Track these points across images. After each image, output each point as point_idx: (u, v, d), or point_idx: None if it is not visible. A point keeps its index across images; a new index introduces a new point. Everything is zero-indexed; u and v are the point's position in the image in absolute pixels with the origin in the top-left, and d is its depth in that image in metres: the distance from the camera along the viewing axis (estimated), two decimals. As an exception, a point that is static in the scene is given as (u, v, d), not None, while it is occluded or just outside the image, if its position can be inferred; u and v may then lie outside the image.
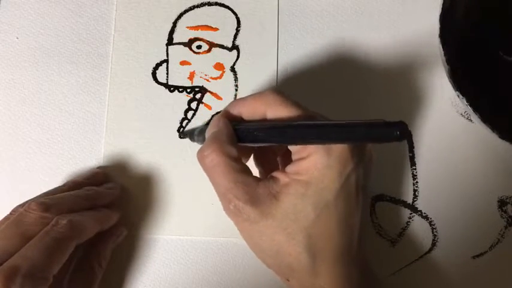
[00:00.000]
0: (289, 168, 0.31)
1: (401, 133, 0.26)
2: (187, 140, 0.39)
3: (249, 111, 0.32)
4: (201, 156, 0.31)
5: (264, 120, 0.32)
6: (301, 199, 0.30)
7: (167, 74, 0.40)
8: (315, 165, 0.30)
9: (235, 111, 0.33)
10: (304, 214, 0.30)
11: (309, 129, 0.29)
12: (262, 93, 0.32)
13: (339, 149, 0.30)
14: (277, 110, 0.31)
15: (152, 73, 0.40)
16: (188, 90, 0.40)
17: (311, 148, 0.30)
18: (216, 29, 0.40)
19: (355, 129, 0.28)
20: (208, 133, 0.32)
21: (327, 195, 0.30)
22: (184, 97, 0.40)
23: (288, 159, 0.32)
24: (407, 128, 0.27)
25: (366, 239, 0.37)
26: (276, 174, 0.31)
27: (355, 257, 0.32)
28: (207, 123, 0.35)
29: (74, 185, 0.36)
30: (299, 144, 0.30)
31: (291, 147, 0.31)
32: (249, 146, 0.33)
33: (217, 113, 0.39)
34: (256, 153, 0.36)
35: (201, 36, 0.40)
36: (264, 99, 0.31)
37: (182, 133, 0.39)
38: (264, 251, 0.32)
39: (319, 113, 0.32)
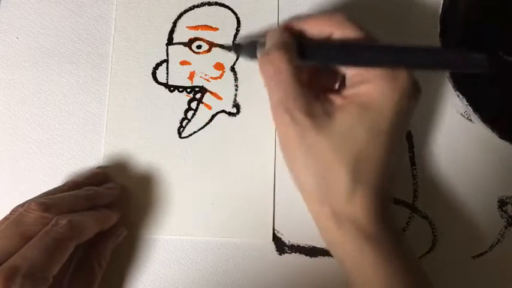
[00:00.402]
0: (347, 92, 0.31)
1: (491, 64, 0.27)
2: (187, 140, 0.39)
3: (313, 30, 0.32)
4: (265, 61, 0.31)
5: (330, 41, 0.31)
6: (357, 121, 0.30)
7: (167, 74, 0.40)
8: (376, 89, 0.30)
9: (297, 26, 0.32)
10: (357, 136, 0.30)
11: (388, 51, 0.30)
12: (331, 13, 0.32)
13: (402, 80, 0.30)
14: (346, 34, 0.31)
15: (152, 73, 0.40)
16: (188, 90, 0.40)
17: (374, 73, 0.30)
18: (216, 29, 0.40)
19: (444, 54, 0.28)
20: (270, 41, 0.32)
21: (382, 122, 0.30)
22: (184, 97, 0.40)
23: (334, 91, 0.32)
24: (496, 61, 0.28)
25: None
26: (331, 96, 0.31)
27: (388, 194, 0.32)
28: (252, 39, 0.35)
29: (74, 185, 0.36)
30: (369, 66, 0.30)
31: (351, 71, 0.31)
32: (307, 65, 0.33)
33: (217, 112, 0.39)
34: (307, 77, 0.35)
35: (201, 36, 0.40)
36: (334, 19, 0.31)
37: (223, 46, 0.38)
38: (309, 169, 0.31)
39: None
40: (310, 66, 0.35)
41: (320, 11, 0.40)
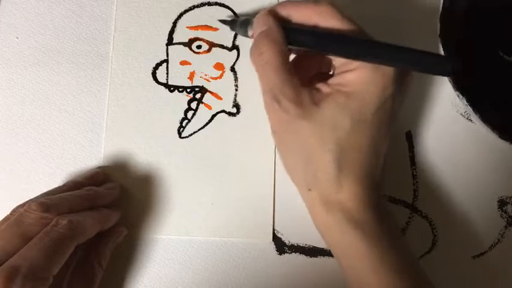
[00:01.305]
0: (332, 80, 0.32)
1: (453, 68, 0.28)
2: (187, 140, 0.39)
3: (299, 17, 0.33)
4: (256, 53, 0.32)
5: (315, 28, 0.32)
6: (341, 109, 0.31)
7: (167, 74, 0.40)
8: (360, 78, 0.31)
9: (284, 12, 0.33)
10: (341, 124, 0.31)
11: (365, 46, 0.30)
12: (317, 1, 0.32)
13: (386, 69, 0.30)
14: (331, 22, 0.31)
15: (152, 73, 0.40)
16: (188, 90, 0.40)
17: (358, 63, 0.31)
18: (216, 29, 0.40)
19: (410, 54, 0.29)
20: (257, 30, 0.33)
21: (366, 111, 0.31)
22: (184, 97, 0.40)
23: (323, 76, 0.33)
24: (460, 66, 0.28)
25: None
26: (318, 85, 0.32)
27: (376, 183, 0.32)
28: (247, 17, 0.35)
29: (74, 185, 0.36)
30: (350, 58, 0.31)
31: (337, 61, 0.32)
32: (292, 51, 0.33)
33: (217, 112, 0.39)
34: (294, 64, 0.35)
35: (201, 36, 0.40)
36: (319, 8, 0.32)
37: (222, 21, 0.39)
38: (295, 153, 0.32)
39: (368, 33, 0.32)
40: (300, 53, 0.35)
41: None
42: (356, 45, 0.30)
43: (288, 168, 0.34)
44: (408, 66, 0.31)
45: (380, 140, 0.32)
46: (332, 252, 0.34)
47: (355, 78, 0.31)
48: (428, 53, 0.29)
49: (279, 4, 0.34)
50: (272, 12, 0.33)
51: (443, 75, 0.28)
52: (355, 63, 0.31)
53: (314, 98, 0.31)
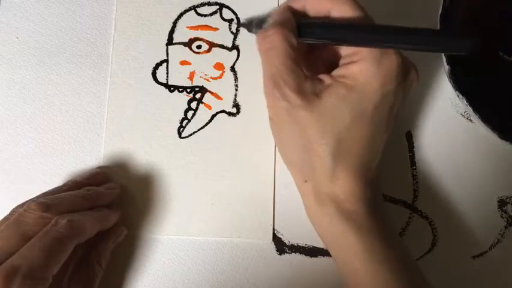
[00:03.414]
0: (336, 72, 0.32)
1: (472, 46, 0.28)
2: (187, 140, 0.39)
3: (313, 7, 0.33)
4: (262, 35, 0.32)
5: (327, 19, 0.32)
6: (341, 101, 0.31)
7: (167, 74, 0.40)
8: (362, 71, 0.31)
9: (298, 5, 0.33)
10: (341, 117, 0.31)
11: (376, 31, 0.30)
12: None
13: (388, 63, 0.30)
14: (343, 10, 0.32)
15: (152, 73, 0.40)
16: (188, 90, 0.40)
17: (362, 55, 0.31)
18: (216, 29, 0.40)
19: (427, 35, 0.29)
20: (271, 19, 0.33)
21: (366, 104, 0.31)
22: (184, 97, 0.40)
23: (332, 68, 0.33)
24: (479, 45, 0.28)
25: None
26: (321, 76, 0.32)
27: (372, 178, 0.32)
28: (263, 16, 0.36)
29: (74, 185, 0.36)
30: (360, 45, 0.31)
31: (344, 51, 0.32)
32: (305, 45, 0.33)
33: (217, 112, 0.39)
34: (306, 56, 0.35)
35: (201, 36, 0.40)
36: None
37: (241, 24, 0.39)
38: (292, 143, 0.32)
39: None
40: (309, 45, 0.35)
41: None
42: (369, 31, 0.30)
43: (284, 158, 0.34)
44: (424, 47, 0.30)
45: (379, 136, 0.32)
46: (323, 242, 0.34)
47: (357, 70, 0.31)
48: (445, 31, 0.29)
49: None
50: (288, 7, 0.33)
51: (462, 52, 0.28)
52: (359, 56, 0.31)
53: (316, 89, 0.31)
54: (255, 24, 0.36)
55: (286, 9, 0.33)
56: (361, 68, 0.31)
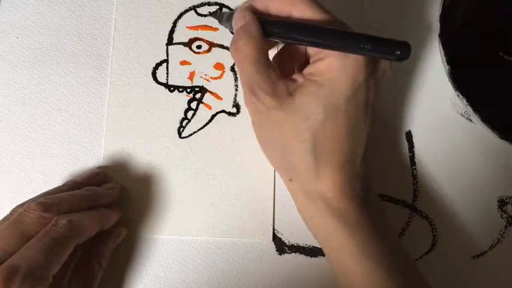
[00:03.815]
0: (306, 70, 0.32)
1: (401, 53, 0.28)
2: (187, 140, 0.39)
3: (275, 7, 0.33)
4: (234, 48, 0.33)
5: (288, 19, 0.32)
6: (314, 99, 0.31)
7: (167, 74, 0.40)
8: (329, 67, 0.31)
9: (260, 5, 0.33)
10: (314, 114, 0.31)
11: (323, 34, 0.30)
12: None
13: (355, 56, 0.30)
14: (303, 11, 0.32)
15: (152, 73, 0.40)
16: (188, 90, 0.40)
17: (327, 51, 0.31)
18: (216, 29, 0.40)
19: (363, 40, 0.29)
20: (235, 25, 0.33)
21: (338, 99, 0.31)
22: (184, 97, 0.40)
23: (305, 65, 0.33)
24: (409, 51, 0.29)
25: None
26: (294, 76, 0.32)
27: (358, 173, 0.32)
28: (230, 11, 0.37)
29: (74, 185, 0.36)
30: (315, 46, 0.31)
31: (310, 50, 0.33)
32: (270, 43, 0.35)
33: (217, 112, 0.39)
34: (276, 56, 0.36)
35: (201, 36, 0.40)
36: None
37: (212, 14, 0.40)
38: (272, 145, 0.33)
39: (344, 22, 0.32)
40: (283, 46, 0.36)
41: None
42: (318, 33, 0.30)
43: (269, 160, 0.35)
44: (364, 52, 0.30)
45: (358, 128, 0.32)
46: (317, 240, 0.34)
47: (325, 66, 0.31)
48: (383, 39, 0.29)
49: None
50: (250, 7, 0.33)
51: (399, 60, 0.29)
52: (324, 52, 0.31)
53: (289, 89, 0.32)
54: (224, 19, 0.37)
55: (246, 11, 0.33)
56: (328, 63, 0.31)
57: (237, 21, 0.33)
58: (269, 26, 0.32)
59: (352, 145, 0.32)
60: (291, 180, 0.33)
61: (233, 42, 0.33)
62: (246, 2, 0.34)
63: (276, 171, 0.38)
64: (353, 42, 0.29)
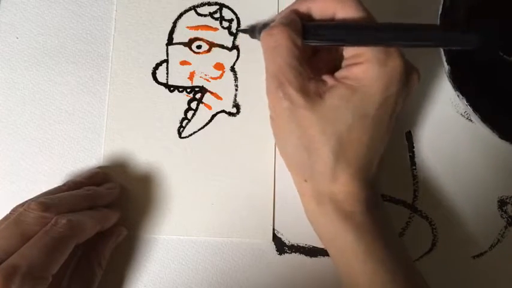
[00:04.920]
0: (339, 73, 0.32)
1: (477, 39, 0.28)
2: (187, 140, 0.39)
3: (318, 9, 0.33)
4: (267, 34, 0.32)
5: (332, 21, 0.32)
6: (345, 103, 0.31)
7: (167, 74, 0.40)
8: (365, 73, 0.31)
9: (303, 7, 0.33)
10: (343, 118, 0.31)
11: (381, 29, 0.30)
12: None
13: (392, 65, 0.30)
14: (348, 11, 0.32)
15: (152, 73, 0.40)
16: (188, 90, 0.40)
17: (366, 56, 0.30)
18: (216, 29, 0.40)
19: (431, 32, 0.29)
20: (277, 19, 0.33)
21: (369, 106, 0.31)
22: (184, 97, 0.40)
23: (334, 70, 0.33)
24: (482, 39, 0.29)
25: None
26: (324, 77, 0.32)
27: (372, 178, 0.33)
28: (267, 21, 0.36)
29: (74, 185, 0.36)
30: (365, 45, 0.31)
31: (348, 53, 0.32)
32: (309, 48, 0.34)
33: (217, 112, 0.39)
34: (309, 58, 0.35)
35: (201, 36, 0.40)
36: None
37: (242, 30, 0.39)
38: (293, 143, 0.32)
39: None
40: (312, 48, 0.35)
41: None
42: (374, 29, 0.30)
43: (284, 158, 0.34)
44: (429, 42, 0.30)
45: (380, 137, 0.32)
46: (322, 242, 0.34)
47: (361, 72, 0.31)
48: (451, 26, 0.29)
49: (298, 1, 0.34)
50: (294, 11, 0.33)
51: (469, 47, 0.28)
52: (363, 57, 0.31)
53: (319, 90, 0.31)
54: (258, 30, 0.36)
55: (291, 12, 0.33)
56: (365, 69, 0.31)
57: (279, 17, 0.33)
58: (311, 29, 0.31)
59: (372, 152, 0.32)
60: (305, 181, 0.33)
61: (267, 29, 0.32)
62: (289, 5, 0.34)
63: (276, 172, 0.38)
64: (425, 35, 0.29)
